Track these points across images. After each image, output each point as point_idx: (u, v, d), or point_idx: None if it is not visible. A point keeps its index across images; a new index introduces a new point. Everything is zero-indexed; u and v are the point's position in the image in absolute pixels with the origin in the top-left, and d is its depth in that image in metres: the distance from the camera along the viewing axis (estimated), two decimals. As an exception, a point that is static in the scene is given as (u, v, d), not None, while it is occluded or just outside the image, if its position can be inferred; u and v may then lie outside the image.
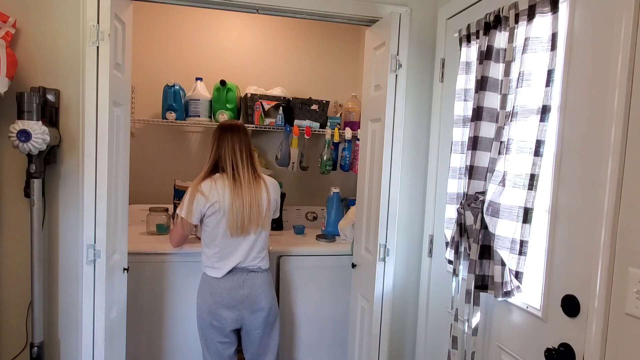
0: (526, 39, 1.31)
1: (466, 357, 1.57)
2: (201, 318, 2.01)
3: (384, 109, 2.00)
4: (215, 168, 2.01)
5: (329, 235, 2.76)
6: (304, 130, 2.89)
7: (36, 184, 1.68)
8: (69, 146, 1.77)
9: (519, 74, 1.33)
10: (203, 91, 2.88)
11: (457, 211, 1.60)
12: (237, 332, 2.07)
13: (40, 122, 1.59)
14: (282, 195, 2.80)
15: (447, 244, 1.73)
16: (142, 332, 2.33)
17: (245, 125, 2.90)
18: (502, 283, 1.38)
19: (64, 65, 1.74)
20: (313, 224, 3.12)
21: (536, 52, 1.29)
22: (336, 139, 2.92)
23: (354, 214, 2.53)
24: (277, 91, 3.01)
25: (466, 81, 1.68)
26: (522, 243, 1.33)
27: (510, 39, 1.39)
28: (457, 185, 1.72)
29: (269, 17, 2.39)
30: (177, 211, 1.98)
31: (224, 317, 1.97)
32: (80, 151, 1.76)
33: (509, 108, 1.38)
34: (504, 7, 1.42)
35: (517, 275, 1.36)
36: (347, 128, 2.95)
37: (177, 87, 2.83)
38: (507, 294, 1.39)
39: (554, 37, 1.25)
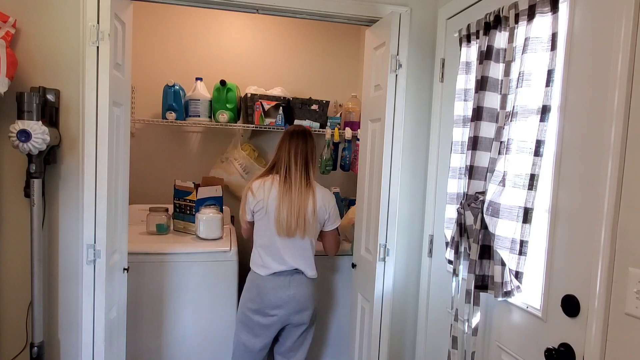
0: (526, 39, 1.31)
1: (466, 357, 1.57)
2: (244, 315, 2.04)
3: (384, 109, 1.99)
4: (273, 169, 2.08)
5: None
6: (304, 130, 2.89)
7: (36, 184, 1.68)
8: (69, 146, 1.77)
9: (519, 74, 1.33)
10: (203, 91, 2.88)
11: (457, 211, 1.60)
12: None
13: (40, 122, 1.59)
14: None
15: (447, 244, 1.73)
16: (142, 332, 2.33)
17: (246, 125, 2.93)
18: (502, 283, 1.38)
19: (64, 65, 1.74)
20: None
21: (536, 52, 1.29)
22: (336, 139, 2.92)
23: (354, 214, 2.53)
24: (277, 91, 3.01)
25: (466, 81, 1.68)
26: (522, 243, 1.33)
27: (510, 39, 1.39)
28: (457, 185, 1.71)
29: (269, 17, 2.39)
30: (240, 215, 2.12)
31: (272, 315, 2.01)
32: (80, 151, 1.76)
33: (509, 108, 1.38)
34: (504, 7, 1.42)
35: (517, 275, 1.36)
36: (347, 128, 2.95)
37: (177, 87, 2.83)
38: (507, 294, 1.39)
39: (554, 37, 1.25)
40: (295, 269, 2.04)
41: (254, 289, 2.03)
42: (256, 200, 2.01)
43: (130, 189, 2.06)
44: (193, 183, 2.64)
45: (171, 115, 2.82)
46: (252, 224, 2.09)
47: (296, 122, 2.93)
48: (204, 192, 2.61)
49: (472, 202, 1.52)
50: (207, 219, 2.49)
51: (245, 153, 2.96)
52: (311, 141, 2.10)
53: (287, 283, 2.02)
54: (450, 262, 1.68)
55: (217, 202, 2.63)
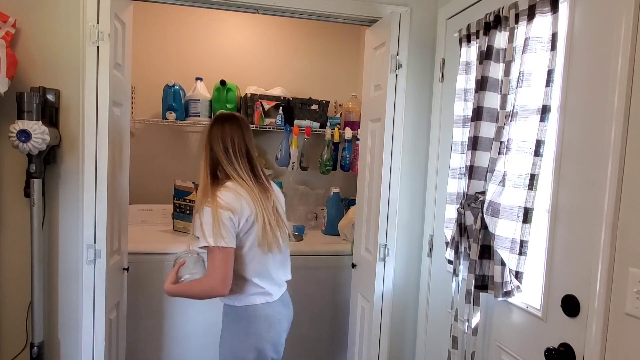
0: (526, 39, 1.31)
1: (466, 357, 1.57)
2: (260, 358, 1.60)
3: (384, 109, 2.00)
4: (214, 175, 1.59)
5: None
6: (304, 130, 2.89)
7: (36, 184, 1.68)
8: (69, 146, 1.77)
9: (519, 74, 1.33)
10: (203, 91, 2.88)
11: (457, 211, 1.60)
12: None
13: (40, 122, 1.59)
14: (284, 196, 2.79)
15: (447, 244, 1.73)
16: (142, 332, 2.33)
17: (245, 125, 2.92)
18: (502, 283, 1.38)
19: (64, 65, 1.74)
20: (313, 224, 3.12)
21: (536, 52, 1.29)
22: (336, 139, 2.92)
23: (354, 214, 2.53)
24: (277, 91, 3.01)
25: (466, 81, 1.68)
26: (522, 243, 1.33)
27: (510, 39, 1.39)
28: (457, 185, 1.71)
29: (269, 17, 2.39)
30: (212, 243, 1.44)
31: (282, 343, 1.68)
32: (80, 151, 1.76)
33: (509, 108, 1.38)
34: (504, 7, 1.42)
35: (517, 275, 1.36)
36: (347, 128, 2.95)
37: (177, 87, 2.83)
38: (507, 294, 1.39)
39: (554, 37, 1.25)
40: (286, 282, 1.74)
41: (261, 324, 1.58)
42: (244, 217, 1.51)
43: (130, 189, 2.06)
44: (193, 183, 2.64)
45: (171, 115, 2.82)
46: (231, 255, 1.49)
47: (296, 122, 2.93)
48: None
49: (472, 202, 1.52)
50: None
51: (245, 153, 2.96)
52: (249, 128, 1.65)
53: (287, 300, 1.72)
54: (450, 262, 1.68)
55: None
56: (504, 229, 1.37)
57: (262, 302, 1.60)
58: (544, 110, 1.27)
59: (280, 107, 2.92)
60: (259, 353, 1.58)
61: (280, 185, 2.13)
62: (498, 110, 1.45)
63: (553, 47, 1.25)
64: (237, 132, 1.60)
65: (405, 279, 2.13)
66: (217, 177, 1.60)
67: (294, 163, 2.89)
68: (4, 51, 1.58)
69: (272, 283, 1.63)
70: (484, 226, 1.44)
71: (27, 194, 1.72)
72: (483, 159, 1.50)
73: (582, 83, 1.21)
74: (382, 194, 2.02)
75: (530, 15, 1.30)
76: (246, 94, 2.94)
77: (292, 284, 2.49)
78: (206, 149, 1.60)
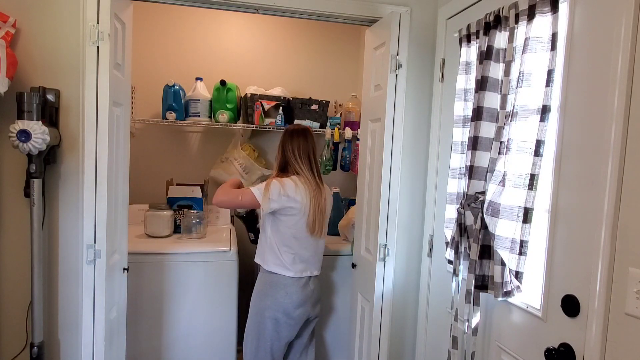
0: (526, 39, 1.31)
1: (466, 357, 1.57)
2: (272, 319, 2.02)
3: (384, 109, 2.00)
4: (283, 170, 2.08)
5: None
6: (304, 130, 2.89)
7: (36, 184, 1.68)
8: (69, 146, 1.77)
9: (519, 74, 1.33)
10: (203, 91, 2.88)
11: (457, 211, 1.60)
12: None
13: (40, 122, 1.59)
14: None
15: (447, 244, 1.73)
16: (142, 332, 2.33)
17: (246, 125, 2.93)
18: (502, 283, 1.38)
19: (64, 65, 1.74)
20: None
21: (536, 52, 1.29)
22: (336, 139, 2.92)
23: (354, 214, 2.53)
24: (277, 91, 3.01)
25: (466, 81, 1.68)
26: (522, 243, 1.33)
27: (510, 39, 1.39)
28: (457, 185, 1.71)
29: (269, 17, 2.39)
30: (252, 188, 1.95)
31: (298, 314, 2.05)
32: (80, 151, 1.76)
33: (509, 108, 1.38)
34: (504, 7, 1.42)
35: (517, 275, 1.36)
36: (347, 128, 2.95)
37: (177, 87, 2.83)
38: (507, 294, 1.39)
39: (554, 37, 1.25)
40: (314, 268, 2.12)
41: (279, 290, 2.02)
42: (292, 202, 1.96)
43: (130, 189, 2.06)
44: (166, 182, 2.65)
45: (171, 115, 2.82)
46: (253, 205, 1.98)
47: (296, 122, 2.93)
48: (175, 192, 2.63)
49: (472, 202, 1.52)
50: (154, 216, 2.51)
51: (245, 153, 2.96)
52: (312, 140, 2.13)
53: (308, 279, 2.08)
54: (450, 262, 1.68)
55: (194, 203, 2.63)
56: (504, 229, 1.37)
57: (284, 273, 2.02)
58: (544, 110, 1.27)
59: (280, 107, 2.92)
60: (271, 312, 2.01)
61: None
62: (498, 110, 1.45)
63: (553, 47, 1.25)
64: (304, 141, 2.08)
65: (405, 279, 2.13)
66: (285, 171, 2.08)
67: (294, 163, 2.89)
68: (4, 51, 1.58)
69: (300, 262, 2.04)
70: (484, 226, 1.44)
71: (27, 194, 1.72)
72: (483, 159, 1.50)
73: (582, 83, 1.21)
74: (382, 194, 2.02)
75: (530, 15, 1.30)
76: (246, 94, 2.94)
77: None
78: (281, 151, 2.10)
